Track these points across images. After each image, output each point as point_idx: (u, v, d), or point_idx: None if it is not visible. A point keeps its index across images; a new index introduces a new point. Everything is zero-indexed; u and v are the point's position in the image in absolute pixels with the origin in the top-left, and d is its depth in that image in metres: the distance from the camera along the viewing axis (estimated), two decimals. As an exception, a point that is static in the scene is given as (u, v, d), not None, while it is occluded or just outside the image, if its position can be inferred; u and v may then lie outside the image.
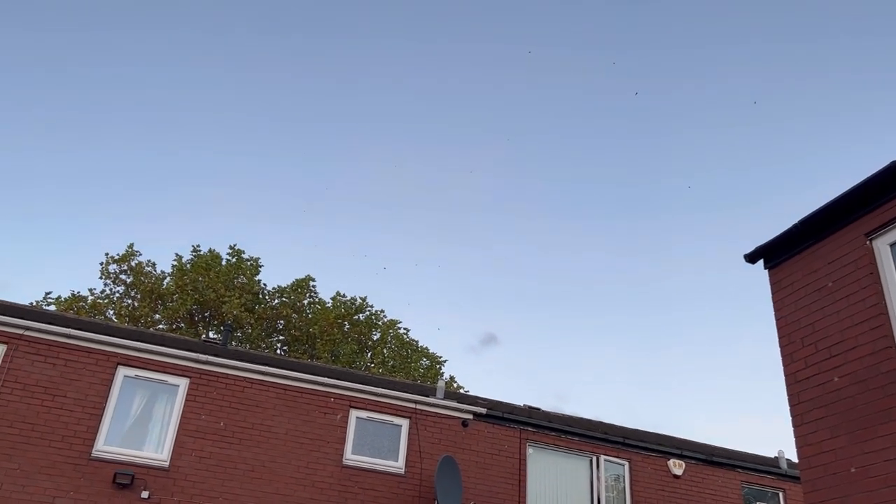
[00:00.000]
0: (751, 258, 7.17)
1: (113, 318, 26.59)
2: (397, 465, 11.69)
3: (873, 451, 5.56)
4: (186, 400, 10.95)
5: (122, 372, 10.78)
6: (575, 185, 41.92)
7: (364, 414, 11.81)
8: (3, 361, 10.16)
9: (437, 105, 40.64)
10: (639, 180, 40.66)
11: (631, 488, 12.84)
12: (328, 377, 11.87)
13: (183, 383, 11.04)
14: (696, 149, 38.54)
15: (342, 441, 11.46)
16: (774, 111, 35.39)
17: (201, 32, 38.29)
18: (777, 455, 14.44)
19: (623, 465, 13.05)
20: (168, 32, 37.37)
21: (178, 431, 10.70)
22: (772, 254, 7.08)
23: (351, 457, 11.45)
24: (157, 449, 10.60)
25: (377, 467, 11.55)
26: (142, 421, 10.83)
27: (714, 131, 36.65)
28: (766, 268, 7.17)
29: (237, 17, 38.28)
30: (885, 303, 5.85)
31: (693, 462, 13.46)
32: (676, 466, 13.22)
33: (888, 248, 6.00)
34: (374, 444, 11.76)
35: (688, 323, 45.93)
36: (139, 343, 10.98)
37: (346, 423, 11.62)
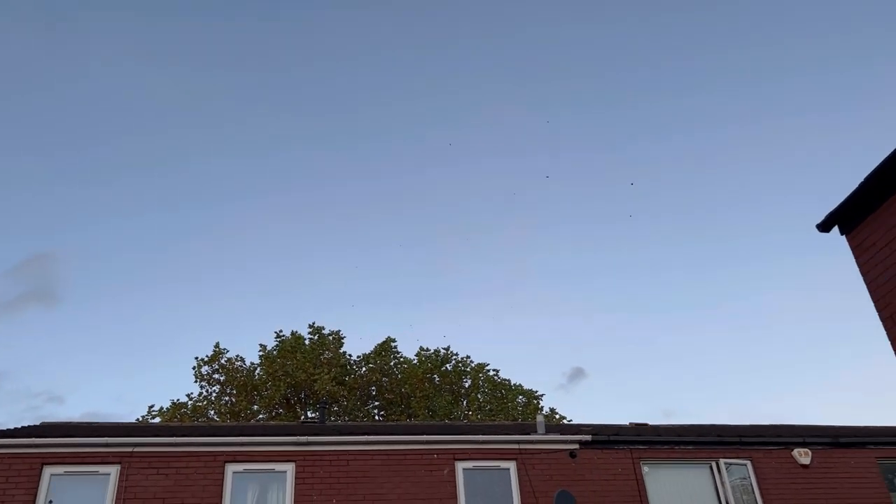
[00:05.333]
0: (824, 227, 6.88)
1: (215, 417, 27.37)
2: (514, 509, 11.49)
3: None
4: (296, 484, 11.10)
5: (231, 469, 11.04)
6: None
7: (469, 464, 11.71)
8: (119, 481, 10.57)
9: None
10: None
11: (759, 487, 12.24)
12: (427, 433, 11.86)
13: (290, 468, 11.21)
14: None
15: (454, 496, 11.36)
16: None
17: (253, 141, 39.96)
18: (909, 423, 13.57)
19: (745, 465, 12.47)
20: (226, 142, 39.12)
21: (294, 517, 10.84)
22: (845, 218, 6.79)
23: (466, 510, 11.33)
24: (277, 538, 10.74)
25: (494, 515, 11.37)
26: (258, 513, 11.02)
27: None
28: (842, 234, 6.86)
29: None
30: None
31: (819, 448, 12.75)
32: (802, 456, 12.55)
33: (967, 186, 5.68)
34: (486, 492, 11.60)
35: (777, 304, 43.98)
36: (241, 437, 11.25)
37: (454, 476, 11.53)
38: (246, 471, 11.11)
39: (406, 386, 28.29)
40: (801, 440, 12.76)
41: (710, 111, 38.50)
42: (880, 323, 6.40)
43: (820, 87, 37.05)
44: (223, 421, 26.28)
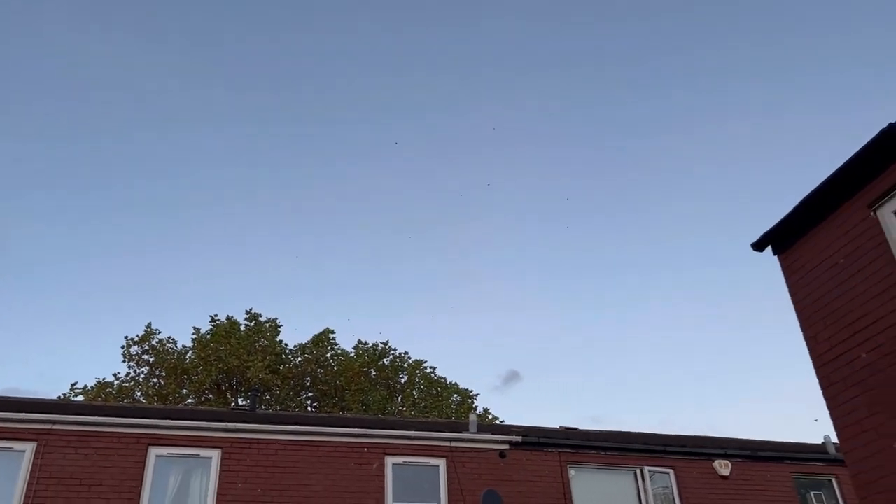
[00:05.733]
0: (758, 246, 7.11)
1: (141, 399, 26.64)
2: (440, 506, 11.53)
3: (914, 423, 5.44)
4: (221, 470, 10.88)
5: (154, 452, 10.74)
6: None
7: (399, 459, 11.69)
8: (35, 458, 10.17)
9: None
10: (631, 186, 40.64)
11: (680, 495, 12.58)
12: (358, 427, 11.79)
13: (215, 454, 10.98)
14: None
15: (381, 490, 11.33)
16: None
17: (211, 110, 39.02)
18: (824, 441, 14.13)
19: (668, 474, 12.79)
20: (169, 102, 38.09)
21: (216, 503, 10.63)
22: (778, 239, 7.03)
23: (393, 505, 11.32)
24: (198, 524, 10.52)
25: (420, 512, 11.39)
26: (180, 498, 10.76)
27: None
28: (774, 254, 7.10)
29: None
30: (900, 271, 5.76)
31: (739, 460, 13.18)
32: (723, 467, 12.95)
33: (893, 217, 5.94)
34: (414, 488, 11.61)
35: (709, 321, 45.37)
36: (167, 421, 10.98)
37: (383, 471, 11.50)
38: (170, 455, 10.83)
39: (341, 378, 28.07)
40: (722, 452, 13.16)
41: (648, 116, 39.34)
42: (804, 342, 6.66)
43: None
44: (150, 403, 25.61)
